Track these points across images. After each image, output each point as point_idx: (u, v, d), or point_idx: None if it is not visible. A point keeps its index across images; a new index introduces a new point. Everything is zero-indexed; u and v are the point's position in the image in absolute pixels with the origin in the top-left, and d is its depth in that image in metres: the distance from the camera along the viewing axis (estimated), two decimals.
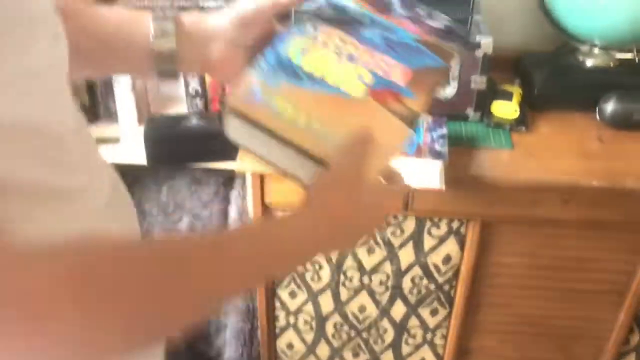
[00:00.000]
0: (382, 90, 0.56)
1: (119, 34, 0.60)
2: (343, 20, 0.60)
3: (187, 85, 1.23)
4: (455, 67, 1.12)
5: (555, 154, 1.09)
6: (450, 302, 1.22)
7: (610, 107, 1.14)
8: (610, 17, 1.12)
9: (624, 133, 1.15)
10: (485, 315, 1.25)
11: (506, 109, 1.15)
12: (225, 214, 1.31)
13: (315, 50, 0.58)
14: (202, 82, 1.23)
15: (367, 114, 0.55)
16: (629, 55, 1.22)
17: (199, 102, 1.24)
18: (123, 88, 1.20)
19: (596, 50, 1.22)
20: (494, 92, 1.18)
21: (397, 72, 0.57)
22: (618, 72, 1.23)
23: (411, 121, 0.55)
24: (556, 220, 1.09)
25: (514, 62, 1.30)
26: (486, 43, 1.10)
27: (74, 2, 0.58)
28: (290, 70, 0.56)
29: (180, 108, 1.26)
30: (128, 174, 1.36)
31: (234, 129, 0.55)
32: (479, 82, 1.13)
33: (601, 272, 1.16)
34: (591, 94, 1.17)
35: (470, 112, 1.16)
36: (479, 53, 1.10)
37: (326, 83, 0.55)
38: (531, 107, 1.20)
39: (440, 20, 0.64)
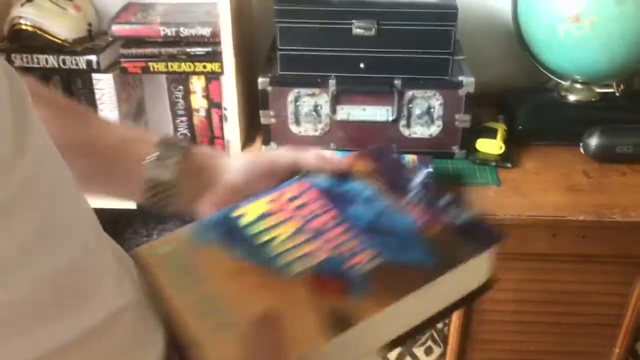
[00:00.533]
0: (326, 278, 0.45)
1: (118, 154, 0.54)
2: (335, 192, 0.53)
3: (175, 129, 1.24)
4: (438, 106, 1.14)
5: (541, 189, 1.10)
6: (444, 340, 1.22)
7: (594, 141, 1.16)
8: (588, 53, 1.14)
9: (609, 166, 1.16)
10: (479, 352, 1.24)
11: (491, 146, 1.16)
12: None
13: (279, 215, 0.50)
14: (191, 127, 1.24)
15: (286, 300, 0.44)
16: (610, 90, 1.24)
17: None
18: None
19: (578, 86, 1.25)
20: (478, 130, 1.19)
21: (363, 259, 0.46)
22: (600, 106, 1.25)
23: (337, 326, 0.42)
24: (545, 254, 1.09)
25: (497, 99, 1.32)
26: (468, 82, 1.12)
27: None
28: (229, 230, 0.49)
29: None
30: (119, 219, 1.37)
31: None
32: (463, 120, 1.14)
33: (593, 305, 1.16)
34: (575, 128, 1.19)
35: (455, 149, 1.17)
36: (462, 92, 1.12)
37: (263, 252, 0.47)
38: (516, 143, 1.22)
39: (461, 218, 0.53)
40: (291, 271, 0.45)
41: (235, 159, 0.56)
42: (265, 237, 0.48)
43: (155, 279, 0.45)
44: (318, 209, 0.51)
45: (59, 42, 1.16)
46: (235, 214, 0.51)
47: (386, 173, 0.56)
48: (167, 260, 0.47)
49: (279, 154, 0.56)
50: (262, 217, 0.50)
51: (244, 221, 0.50)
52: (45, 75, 1.17)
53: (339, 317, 0.42)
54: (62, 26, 1.17)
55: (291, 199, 0.52)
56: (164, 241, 0.49)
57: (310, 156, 0.55)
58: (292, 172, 0.56)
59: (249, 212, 0.51)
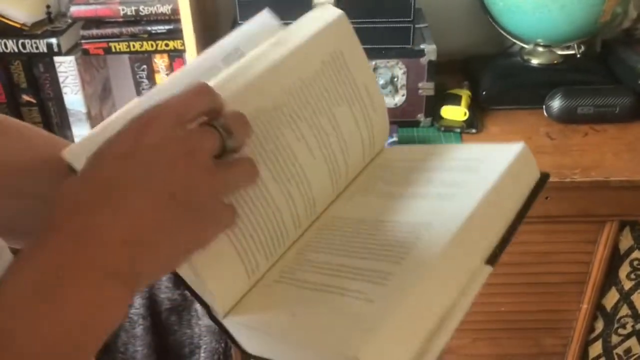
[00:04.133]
0: None
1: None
2: None
3: None
4: (402, 75, 1.14)
5: None
6: None
7: (556, 103, 1.17)
8: (548, 16, 1.15)
9: (571, 127, 1.18)
10: None
11: (456, 113, 1.18)
12: None
13: None
14: None
15: None
16: (571, 52, 1.25)
17: None
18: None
19: (540, 49, 1.26)
20: (443, 97, 1.21)
21: None
22: (562, 69, 1.26)
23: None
24: None
25: (461, 65, 1.33)
26: (430, 50, 1.13)
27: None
28: None
29: None
30: None
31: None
32: (426, 88, 1.15)
33: (560, 264, 1.19)
34: (537, 91, 1.20)
35: (420, 117, 1.18)
36: (424, 60, 1.13)
37: None
38: (481, 109, 1.23)
39: None
40: None
41: None
42: None
43: None
44: None
45: (18, 26, 1.15)
46: None
47: None
48: None
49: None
50: None
51: None
52: (6, 60, 1.16)
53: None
54: (20, 9, 1.16)
55: None
56: None
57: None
58: None
59: None
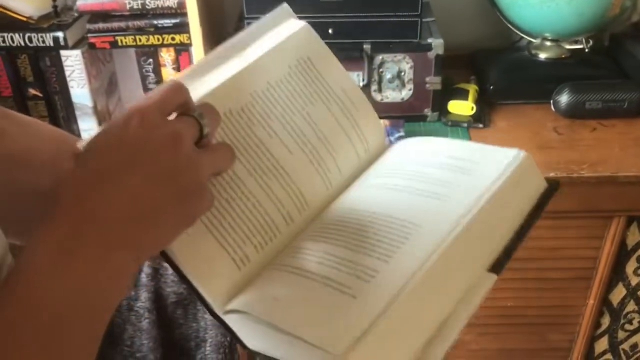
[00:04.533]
0: None
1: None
2: None
3: None
4: (409, 70, 1.14)
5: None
6: None
7: (564, 98, 1.17)
8: (556, 10, 1.15)
9: (579, 122, 1.17)
10: None
11: (463, 107, 1.17)
12: None
13: None
14: None
15: None
16: (579, 46, 1.24)
17: None
18: None
19: (547, 43, 1.25)
20: (450, 91, 1.20)
21: None
22: (570, 63, 1.25)
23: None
24: None
25: (469, 60, 1.33)
26: (438, 44, 1.12)
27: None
28: None
29: None
30: None
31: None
32: (433, 82, 1.15)
33: (567, 259, 1.19)
34: (545, 86, 1.20)
35: (427, 112, 1.18)
36: (431, 54, 1.12)
37: None
38: (488, 103, 1.22)
39: None
40: None
41: None
42: None
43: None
44: None
45: (24, 19, 1.15)
46: None
47: None
48: None
49: None
50: None
51: None
52: (12, 53, 1.16)
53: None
54: (26, 3, 1.16)
55: None
56: None
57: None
58: None
59: None
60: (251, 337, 0.43)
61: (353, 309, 0.39)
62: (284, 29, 0.52)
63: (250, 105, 0.47)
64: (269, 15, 0.52)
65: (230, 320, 0.43)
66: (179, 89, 0.40)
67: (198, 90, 0.45)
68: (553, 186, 0.50)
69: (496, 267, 0.44)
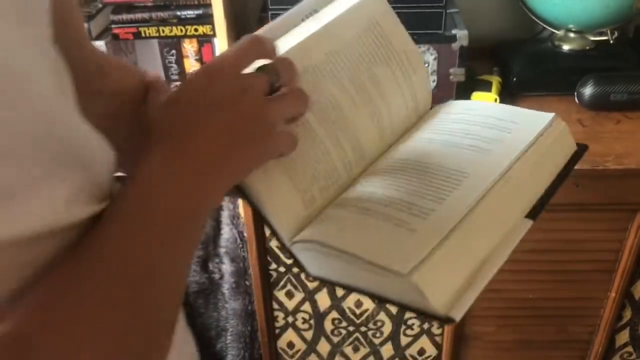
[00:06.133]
0: None
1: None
2: None
3: None
4: (433, 61, 1.13)
5: None
6: None
7: (588, 90, 1.16)
8: (581, 1, 1.14)
9: (603, 114, 1.17)
10: (481, 301, 1.25)
11: (486, 98, 1.17)
12: (217, 220, 1.33)
13: None
14: None
15: None
16: (603, 37, 1.24)
17: None
18: None
19: (571, 35, 1.24)
20: (473, 82, 1.20)
21: None
22: (594, 55, 1.24)
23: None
24: None
25: (492, 51, 1.32)
26: (462, 35, 1.12)
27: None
28: None
29: None
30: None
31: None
32: (457, 74, 1.14)
33: (590, 252, 1.18)
34: (569, 77, 1.19)
35: None
36: (456, 46, 1.12)
37: None
38: (511, 95, 1.22)
39: None
40: None
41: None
42: None
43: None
44: None
45: None
46: None
47: None
48: None
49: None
50: None
51: None
52: None
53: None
54: None
55: None
56: None
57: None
58: None
59: None
60: (315, 265, 0.49)
61: (414, 238, 0.45)
62: None
63: (324, 63, 0.52)
64: None
65: (297, 250, 0.49)
66: (256, 44, 0.46)
67: (279, 48, 0.50)
68: (582, 148, 0.56)
69: (532, 214, 0.49)
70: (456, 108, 0.60)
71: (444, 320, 0.43)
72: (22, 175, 0.34)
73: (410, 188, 0.50)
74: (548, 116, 0.55)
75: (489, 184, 0.49)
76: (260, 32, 0.51)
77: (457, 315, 0.42)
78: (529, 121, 0.55)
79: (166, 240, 0.40)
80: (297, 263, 0.50)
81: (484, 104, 0.61)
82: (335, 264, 0.47)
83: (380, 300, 0.46)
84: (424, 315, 0.43)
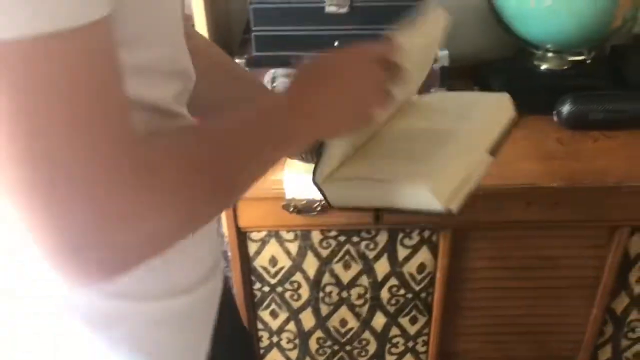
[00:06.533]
0: None
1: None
2: None
3: None
4: None
5: (516, 158, 1.13)
6: (429, 309, 1.25)
7: (566, 109, 1.18)
8: (559, 21, 1.16)
9: (582, 133, 1.18)
10: (464, 319, 1.27)
11: None
12: None
13: None
14: None
15: None
16: (581, 57, 1.26)
17: None
18: None
19: (549, 54, 1.27)
20: None
21: None
22: (572, 74, 1.27)
23: None
24: (521, 222, 1.12)
25: (472, 70, 1.34)
26: (443, 55, 1.13)
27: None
28: None
29: None
30: None
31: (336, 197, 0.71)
32: None
33: (570, 268, 1.20)
34: (547, 97, 1.21)
35: None
36: (437, 66, 1.13)
37: None
38: None
39: None
40: None
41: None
42: None
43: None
44: None
45: None
46: None
47: None
48: None
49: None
50: None
51: None
52: None
53: None
54: None
55: None
56: None
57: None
58: None
59: None
60: (338, 197, 0.70)
61: (427, 165, 0.70)
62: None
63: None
64: None
65: (327, 186, 0.69)
66: (391, 51, 0.66)
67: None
68: (519, 115, 0.84)
69: (493, 151, 0.76)
70: (439, 96, 0.94)
71: (445, 214, 0.65)
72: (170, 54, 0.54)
73: (418, 143, 0.76)
74: (500, 94, 0.88)
75: (467, 134, 0.78)
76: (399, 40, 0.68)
77: (454, 208, 0.66)
78: (487, 98, 0.91)
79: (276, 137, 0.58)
80: (322, 194, 0.69)
81: (456, 94, 0.98)
82: (359, 192, 0.69)
83: (390, 212, 0.69)
84: (429, 214, 0.65)
